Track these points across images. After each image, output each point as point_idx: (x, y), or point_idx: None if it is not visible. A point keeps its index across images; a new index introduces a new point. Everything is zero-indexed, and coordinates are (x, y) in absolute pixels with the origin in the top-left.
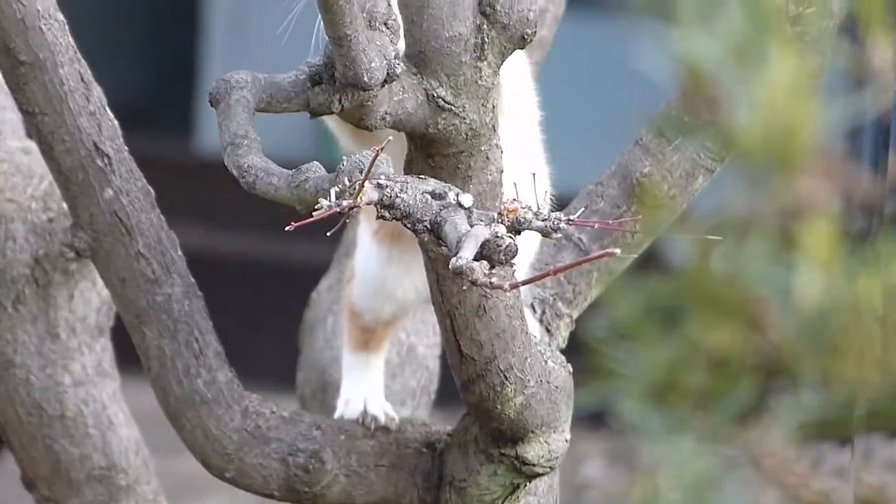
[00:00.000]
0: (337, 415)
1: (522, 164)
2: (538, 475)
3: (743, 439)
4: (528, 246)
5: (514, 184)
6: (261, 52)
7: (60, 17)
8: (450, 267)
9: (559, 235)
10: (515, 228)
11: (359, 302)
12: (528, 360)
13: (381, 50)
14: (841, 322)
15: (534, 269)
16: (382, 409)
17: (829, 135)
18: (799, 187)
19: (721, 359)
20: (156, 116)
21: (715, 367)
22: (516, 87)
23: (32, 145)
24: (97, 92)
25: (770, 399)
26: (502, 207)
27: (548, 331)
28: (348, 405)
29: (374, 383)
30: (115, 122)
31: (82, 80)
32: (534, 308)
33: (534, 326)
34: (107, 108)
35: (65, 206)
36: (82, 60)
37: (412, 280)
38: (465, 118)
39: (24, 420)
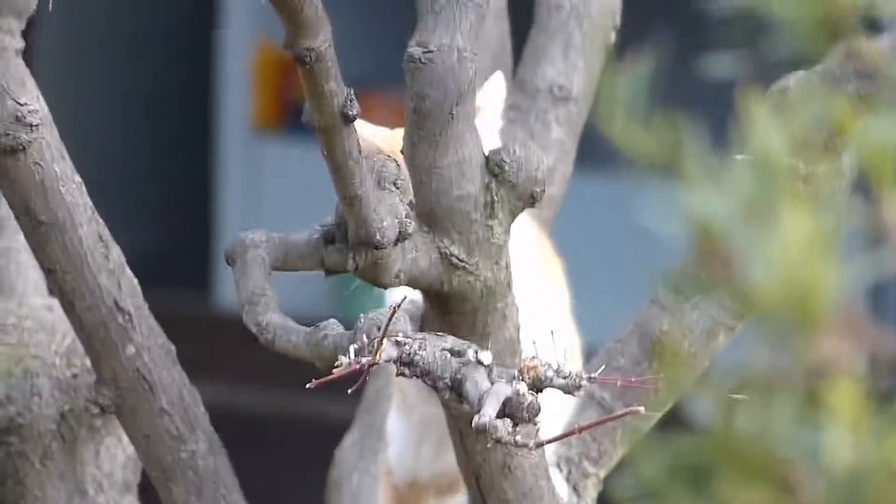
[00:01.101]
0: None
1: (543, 324)
2: None
3: None
4: (561, 406)
5: (534, 342)
6: (273, 214)
7: (78, 178)
8: (473, 425)
9: (581, 393)
10: (537, 386)
11: (396, 468)
12: None
13: (391, 209)
14: (872, 484)
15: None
16: None
17: (850, 293)
18: (822, 346)
19: None
20: (174, 274)
21: None
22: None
23: (55, 303)
24: (116, 251)
25: None
26: (522, 365)
27: (575, 490)
28: None
29: None
30: (135, 280)
31: (101, 238)
32: (559, 467)
33: (562, 486)
34: (125, 267)
35: (88, 362)
36: (100, 220)
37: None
38: (479, 276)
39: None
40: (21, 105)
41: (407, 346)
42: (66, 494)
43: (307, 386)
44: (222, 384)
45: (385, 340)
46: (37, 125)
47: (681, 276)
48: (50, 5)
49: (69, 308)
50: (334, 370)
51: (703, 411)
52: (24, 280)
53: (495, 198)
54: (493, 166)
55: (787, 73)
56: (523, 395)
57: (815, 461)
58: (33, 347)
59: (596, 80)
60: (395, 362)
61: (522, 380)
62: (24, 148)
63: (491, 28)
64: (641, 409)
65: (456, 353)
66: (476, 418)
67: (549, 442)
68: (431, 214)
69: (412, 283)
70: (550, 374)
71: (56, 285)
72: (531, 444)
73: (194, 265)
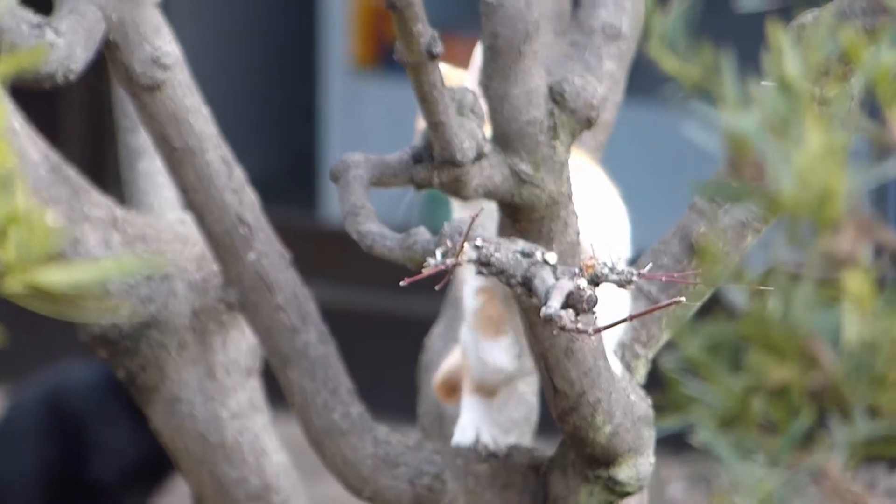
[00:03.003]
0: (453, 441)
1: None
2: (629, 494)
3: (805, 462)
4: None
5: (591, 244)
6: (370, 140)
7: (205, 110)
8: (541, 315)
9: (632, 287)
10: (594, 281)
11: (476, 375)
12: (613, 394)
13: (470, 133)
14: (880, 354)
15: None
16: (492, 438)
17: (859, 196)
18: (836, 242)
19: (781, 391)
20: (288, 192)
21: (776, 398)
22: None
23: (187, 217)
24: (238, 171)
25: (826, 425)
26: (582, 264)
27: (628, 369)
28: (463, 433)
29: (486, 416)
30: (254, 197)
31: (225, 162)
32: (615, 351)
33: (617, 366)
34: (246, 186)
35: (216, 266)
36: (224, 146)
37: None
38: (544, 188)
39: (190, 448)
40: (157, 49)
41: (484, 249)
42: (198, 378)
43: (401, 284)
44: (329, 285)
45: (466, 244)
46: (170, 65)
47: (715, 185)
48: None
49: (199, 221)
50: (424, 270)
51: (736, 300)
52: (160, 198)
53: (557, 122)
54: (556, 95)
55: (806, 10)
56: (583, 289)
57: (833, 338)
58: (170, 255)
59: (642, 20)
60: (474, 262)
61: (582, 276)
62: (159, 86)
63: None
64: (683, 299)
65: (526, 255)
66: (544, 309)
67: (606, 328)
68: (503, 137)
69: (488, 196)
70: (605, 270)
71: (188, 202)
72: (590, 330)
73: (304, 185)
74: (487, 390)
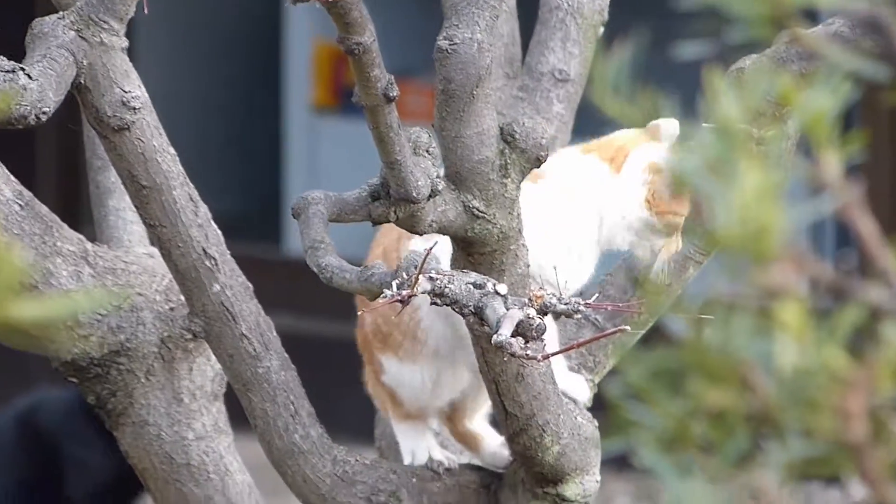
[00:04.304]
0: (406, 463)
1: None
2: None
3: (743, 480)
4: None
5: (539, 276)
6: (330, 178)
7: (172, 150)
8: (492, 342)
9: (579, 316)
10: (543, 311)
11: (406, 399)
12: (561, 416)
13: (425, 171)
14: (813, 383)
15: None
16: (445, 456)
17: (794, 232)
18: (773, 274)
19: (719, 414)
20: (252, 228)
21: (714, 421)
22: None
23: (155, 251)
24: (203, 208)
25: (762, 446)
26: (531, 294)
27: None
28: (415, 456)
29: (431, 437)
30: (219, 232)
31: (191, 199)
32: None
33: (582, 386)
34: (212, 221)
35: (182, 298)
36: (191, 184)
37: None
38: (495, 223)
39: (157, 468)
40: (126, 92)
41: (438, 281)
42: (166, 402)
43: (359, 313)
44: (291, 315)
45: (421, 276)
46: (139, 108)
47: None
48: (146, 9)
49: (166, 255)
50: (380, 300)
51: (677, 328)
52: (129, 233)
53: (508, 161)
54: (507, 135)
55: (743, 56)
56: (532, 318)
57: (768, 366)
58: (138, 287)
59: (589, 64)
60: (429, 293)
61: (532, 306)
62: (128, 127)
63: (503, 25)
64: (627, 328)
65: (478, 286)
66: (495, 337)
67: (554, 355)
68: (457, 175)
69: (442, 231)
70: (554, 301)
71: (156, 237)
72: (539, 356)
73: (268, 220)
74: (413, 416)
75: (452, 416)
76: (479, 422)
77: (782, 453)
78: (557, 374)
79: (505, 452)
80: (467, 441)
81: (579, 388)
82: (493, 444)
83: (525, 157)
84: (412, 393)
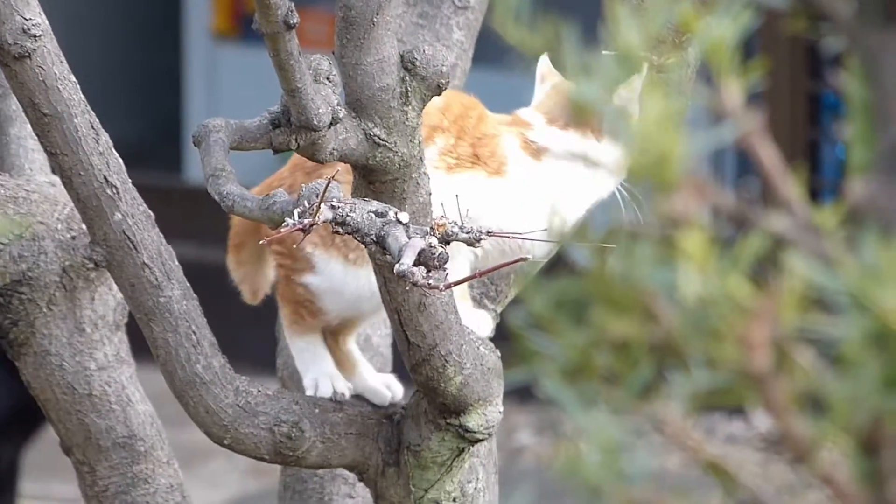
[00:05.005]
0: (309, 394)
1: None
2: (479, 440)
3: (646, 411)
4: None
5: (441, 203)
6: (230, 106)
7: (73, 78)
8: (394, 272)
9: (480, 245)
10: (445, 240)
11: (330, 308)
12: (464, 346)
13: (325, 99)
14: (716, 311)
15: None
16: (347, 387)
17: (696, 160)
18: (675, 203)
19: (623, 344)
20: (153, 156)
21: (618, 350)
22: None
23: (56, 179)
24: (105, 137)
25: (666, 376)
26: (433, 223)
27: None
28: (319, 387)
29: (331, 363)
30: (121, 160)
31: (92, 127)
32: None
33: (485, 319)
34: (113, 150)
35: (84, 226)
36: (92, 112)
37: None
38: (397, 152)
39: (59, 398)
40: (27, 20)
41: (340, 210)
42: (68, 332)
43: (260, 243)
44: (192, 244)
45: (322, 205)
46: (40, 35)
47: None
48: None
49: (68, 183)
50: (282, 229)
51: (581, 258)
52: (30, 161)
53: (409, 88)
54: (407, 63)
55: None
56: (434, 246)
57: (671, 295)
58: (39, 216)
59: None
60: (330, 222)
61: (433, 235)
62: (29, 55)
63: None
64: (529, 256)
65: (380, 215)
66: (396, 266)
67: (455, 284)
68: (357, 103)
69: (343, 159)
70: (455, 229)
71: (57, 165)
72: (441, 286)
73: (168, 149)
74: (314, 329)
75: (338, 331)
76: (352, 344)
77: (686, 384)
78: (461, 309)
79: (386, 392)
80: (344, 362)
81: (483, 323)
82: (374, 381)
83: (426, 84)
84: (347, 301)
